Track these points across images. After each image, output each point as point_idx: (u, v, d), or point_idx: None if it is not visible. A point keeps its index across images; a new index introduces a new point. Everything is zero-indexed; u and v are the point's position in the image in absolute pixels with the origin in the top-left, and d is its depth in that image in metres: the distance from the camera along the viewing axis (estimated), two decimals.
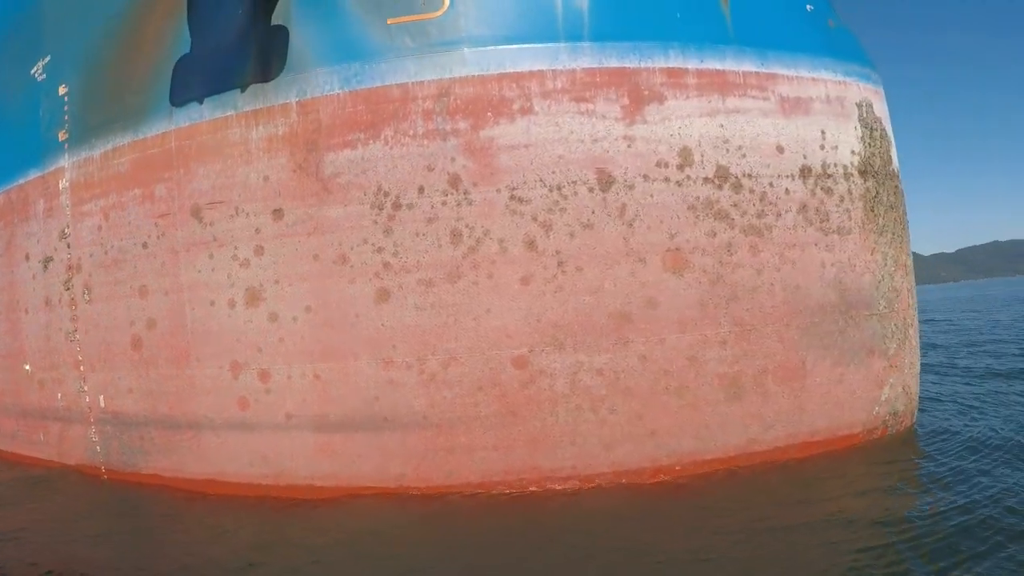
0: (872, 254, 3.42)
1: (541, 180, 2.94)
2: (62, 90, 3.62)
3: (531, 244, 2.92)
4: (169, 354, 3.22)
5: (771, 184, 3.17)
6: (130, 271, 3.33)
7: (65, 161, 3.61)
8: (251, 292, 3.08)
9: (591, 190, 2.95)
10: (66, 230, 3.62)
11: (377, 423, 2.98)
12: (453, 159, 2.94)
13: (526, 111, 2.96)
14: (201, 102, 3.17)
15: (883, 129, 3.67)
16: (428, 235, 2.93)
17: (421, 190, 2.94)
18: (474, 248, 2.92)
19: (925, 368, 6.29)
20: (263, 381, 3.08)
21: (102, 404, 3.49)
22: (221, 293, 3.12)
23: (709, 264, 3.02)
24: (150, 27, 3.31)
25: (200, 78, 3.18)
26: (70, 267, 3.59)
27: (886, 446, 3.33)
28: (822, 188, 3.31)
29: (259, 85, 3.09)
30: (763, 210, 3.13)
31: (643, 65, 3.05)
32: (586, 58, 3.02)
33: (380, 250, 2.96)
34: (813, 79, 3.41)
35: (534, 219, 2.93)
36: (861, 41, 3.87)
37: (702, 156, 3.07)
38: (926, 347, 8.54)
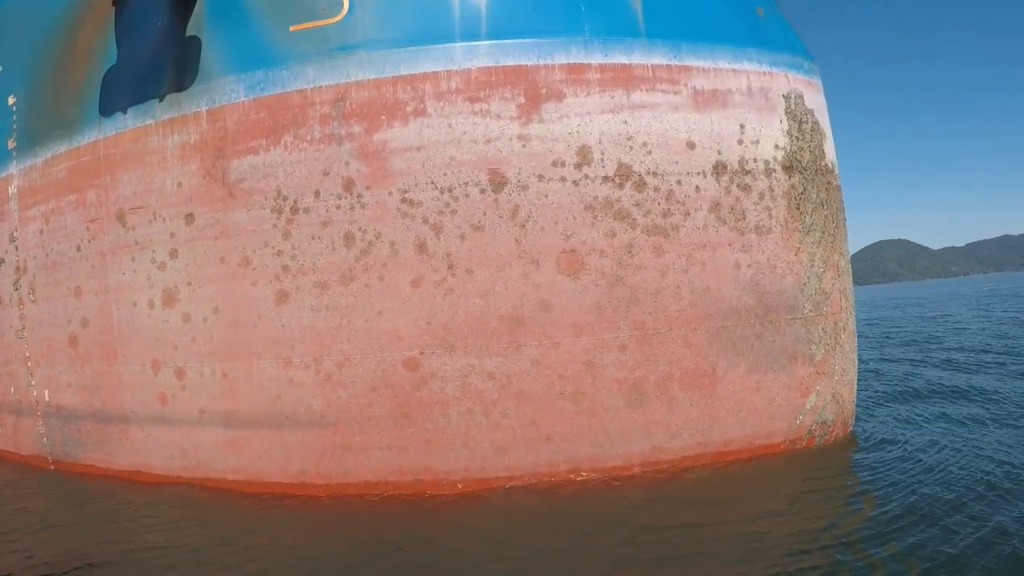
0: (796, 254, 3.30)
1: (432, 182, 3.03)
2: (11, 100, 4.00)
3: (421, 247, 3.02)
4: (100, 351, 3.55)
5: (679, 182, 3.12)
6: (67, 273, 3.68)
7: (14, 168, 4.01)
8: (167, 293, 3.34)
9: (483, 191, 3.02)
10: (15, 233, 4.03)
11: (279, 421, 3.18)
12: (347, 163, 3.08)
13: (419, 113, 3.05)
14: (125, 112, 3.45)
15: (815, 122, 3.50)
16: (323, 238, 3.08)
17: (317, 194, 3.10)
18: (366, 251, 3.05)
19: (892, 369, 5.96)
20: (179, 378, 3.35)
21: (47, 398, 3.88)
22: (142, 294, 3.40)
23: (607, 266, 3.01)
24: (82, 40, 3.61)
25: (125, 89, 3.46)
26: (18, 268, 3.99)
27: (810, 458, 3.20)
28: (738, 185, 3.22)
29: (175, 94, 3.33)
30: (669, 209, 3.09)
31: (542, 62, 3.07)
32: (483, 57, 3.07)
33: (280, 253, 3.14)
34: (734, 70, 3.31)
35: (425, 221, 3.02)
36: (800, 31, 3.71)
37: (602, 154, 3.06)
38: (908, 345, 8.08)
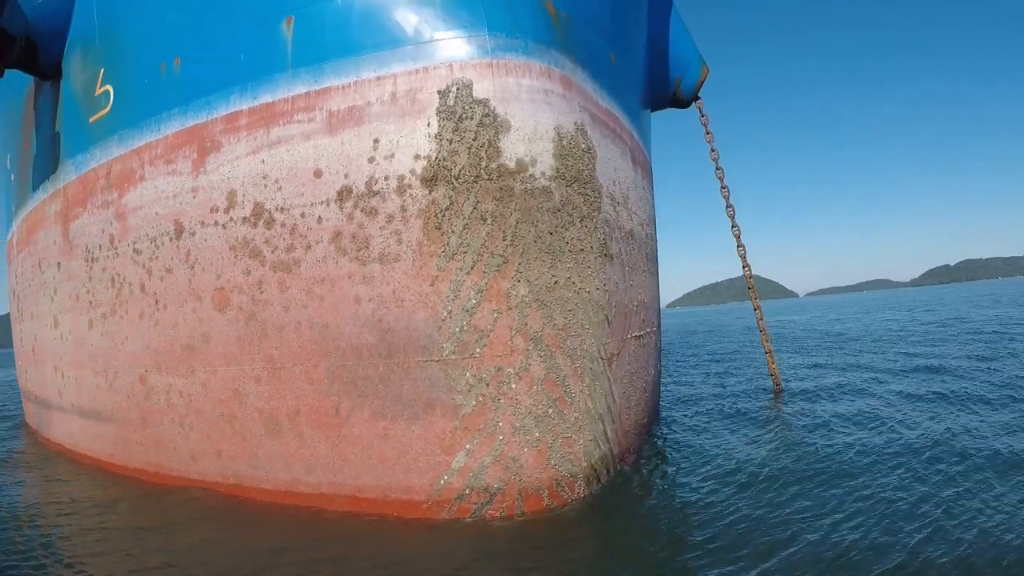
0: (432, 284, 3.62)
1: (147, 234, 4.82)
2: (13, 178, 7.61)
3: (143, 287, 4.85)
4: (39, 358, 6.67)
5: (303, 214, 4.03)
6: (27, 302, 6.97)
7: (14, 225, 7.63)
8: (55, 319, 6.12)
9: (171, 239, 4.64)
10: (17, 272, 7.69)
11: (96, 414, 5.54)
12: (111, 222, 5.15)
13: (142, 178, 4.87)
14: (38, 188, 6.39)
15: (489, 113, 3.49)
16: (103, 281, 5.25)
17: (100, 247, 5.28)
18: (120, 291, 5.07)
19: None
20: (63, 379, 6.11)
21: (30, 388, 7.38)
22: (47, 319, 6.29)
23: (245, 302, 4.23)
24: (25, 132, 6.75)
25: (38, 171, 6.40)
26: (17, 296, 7.64)
27: (450, 530, 3.29)
28: (363, 210, 3.81)
29: (53, 175, 6.04)
30: (293, 244, 4.06)
31: (210, 118, 4.47)
32: (175, 123, 4.67)
33: (88, 292, 5.46)
34: (378, 79, 3.73)
35: (143, 267, 4.84)
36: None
37: (244, 196, 4.26)
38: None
